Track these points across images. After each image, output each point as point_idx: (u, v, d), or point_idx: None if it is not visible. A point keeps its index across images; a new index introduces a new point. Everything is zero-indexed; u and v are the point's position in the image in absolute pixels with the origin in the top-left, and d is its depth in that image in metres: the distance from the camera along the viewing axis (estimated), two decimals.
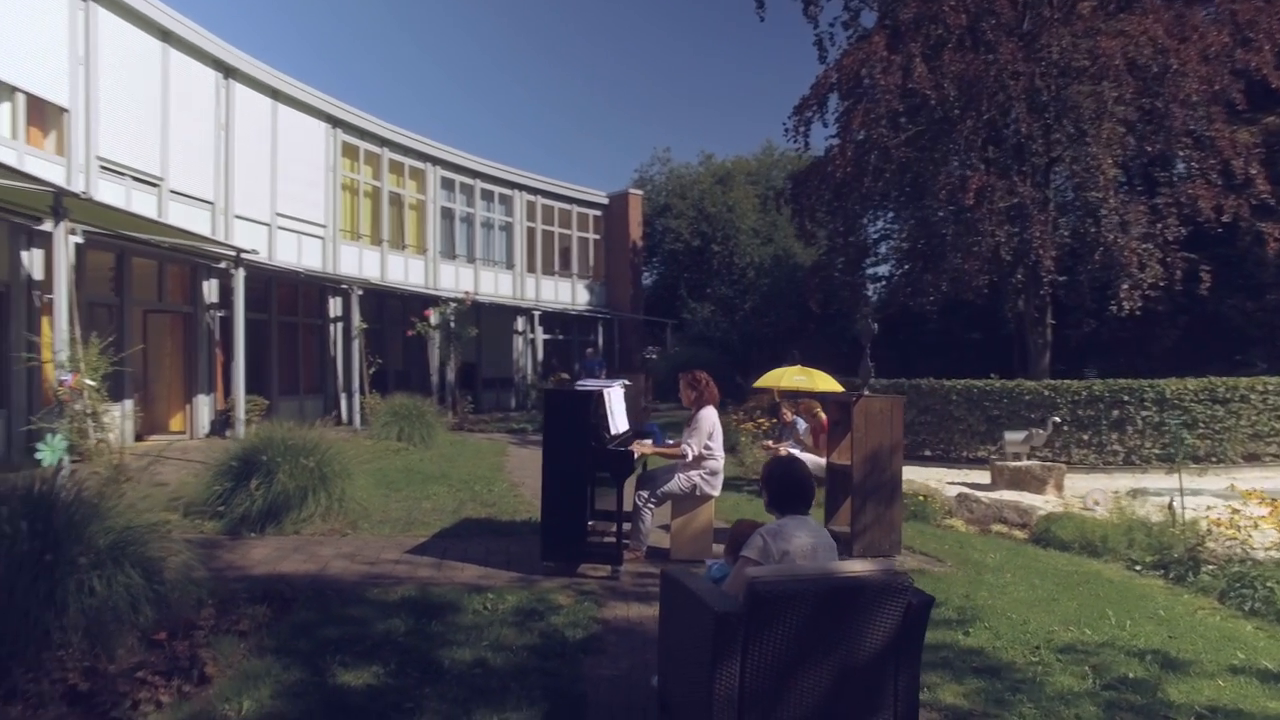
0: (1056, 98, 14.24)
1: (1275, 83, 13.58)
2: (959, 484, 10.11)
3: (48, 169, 11.18)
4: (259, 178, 16.06)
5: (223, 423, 14.29)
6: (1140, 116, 14.40)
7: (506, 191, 24.81)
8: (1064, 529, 7.11)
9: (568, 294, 26.66)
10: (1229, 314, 17.73)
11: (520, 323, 24.46)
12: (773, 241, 29.40)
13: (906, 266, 17.86)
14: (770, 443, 10.47)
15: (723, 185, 31.47)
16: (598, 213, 27.55)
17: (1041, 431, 10.43)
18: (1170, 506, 6.99)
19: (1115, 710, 3.59)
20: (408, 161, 21.35)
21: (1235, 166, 13.59)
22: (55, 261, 7.53)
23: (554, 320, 25.85)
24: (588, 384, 6.65)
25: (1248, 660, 4.29)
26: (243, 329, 12.70)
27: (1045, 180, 15.32)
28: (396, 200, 21.06)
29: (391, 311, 20.59)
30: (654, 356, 27.75)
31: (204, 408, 14.50)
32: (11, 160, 10.47)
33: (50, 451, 6.66)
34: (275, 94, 16.56)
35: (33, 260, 10.78)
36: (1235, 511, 6.20)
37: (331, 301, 18.42)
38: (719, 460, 6.15)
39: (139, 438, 12.94)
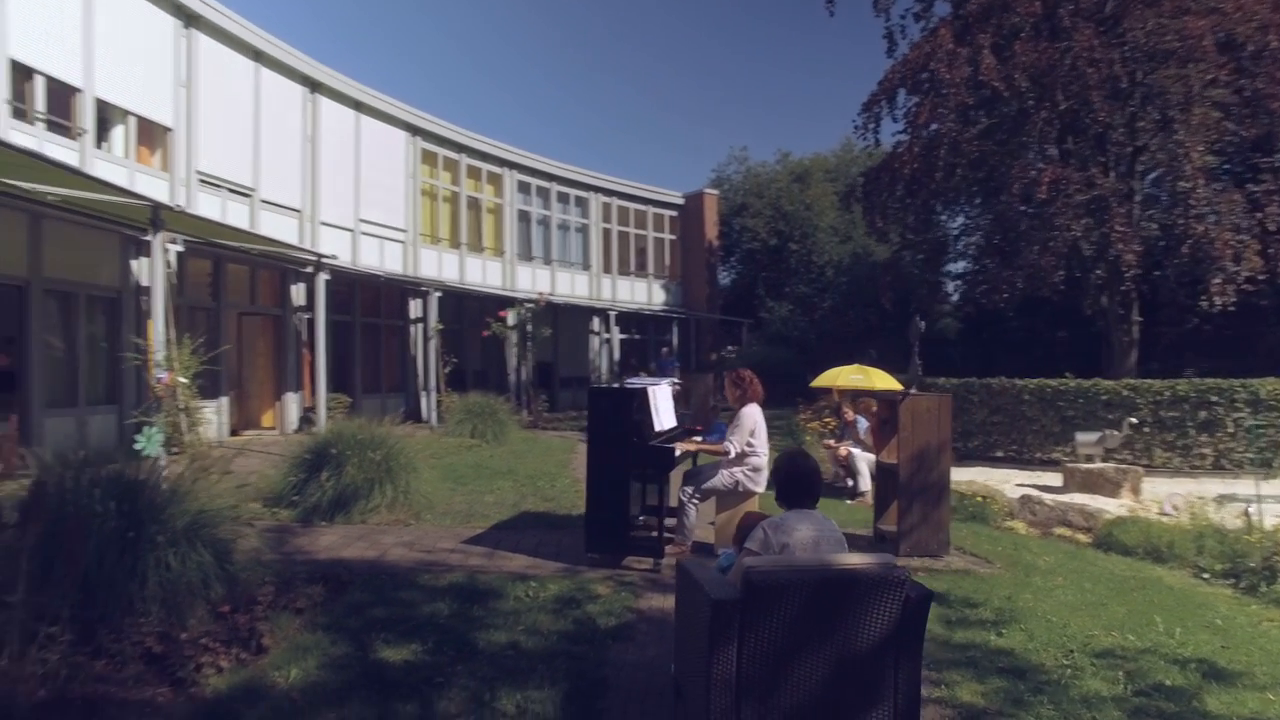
0: (1142, 83, 13.57)
1: None
2: (1028, 486, 9.82)
3: (154, 184, 12.12)
4: (343, 185, 16.89)
5: (308, 419, 15.10)
6: (1237, 99, 13.56)
7: (582, 194, 25.24)
8: (1128, 533, 6.87)
9: (644, 294, 26.92)
10: None
11: (596, 323, 24.82)
12: (851, 239, 28.92)
13: (983, 262, 17.33)
14: (831, 442, 10.43)
15: (800, 183, 31.15)
16: (673, 213, 27.71)
17: (1116, 433, 10.00)
18: (1247, 513, 6.65)
19: (1142, 716, 3.52)
20: (485, 166, 22.00)
21: None
22: (153, 269, 8.18)
23: (630, 320, 26.14)
24: (634, 382, 6.81)
25: None
26: (324, 330, 13.40)
27: (1130, 170, 14.62)
28: (474, 204, 21.73)
29: (470, 312, 21.25)
30: (732, 355, 27.72)
31: (292, 405, 15.36)
32: (122, 177, 11.41)
33: (147, 443, 7.27)
34: (358, 105, 17.38)
35: (140, 268, 11.69)
36: None
37: (412, 303, 19.16)
38: (762, 457, 6.21)
39: (234, 432, 13.86)
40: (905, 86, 15.59)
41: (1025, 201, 13.68)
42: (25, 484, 4.02)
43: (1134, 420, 10.54)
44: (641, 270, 27.01)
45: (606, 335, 25.16)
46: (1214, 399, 10.97)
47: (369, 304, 18.49)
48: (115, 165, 11.43)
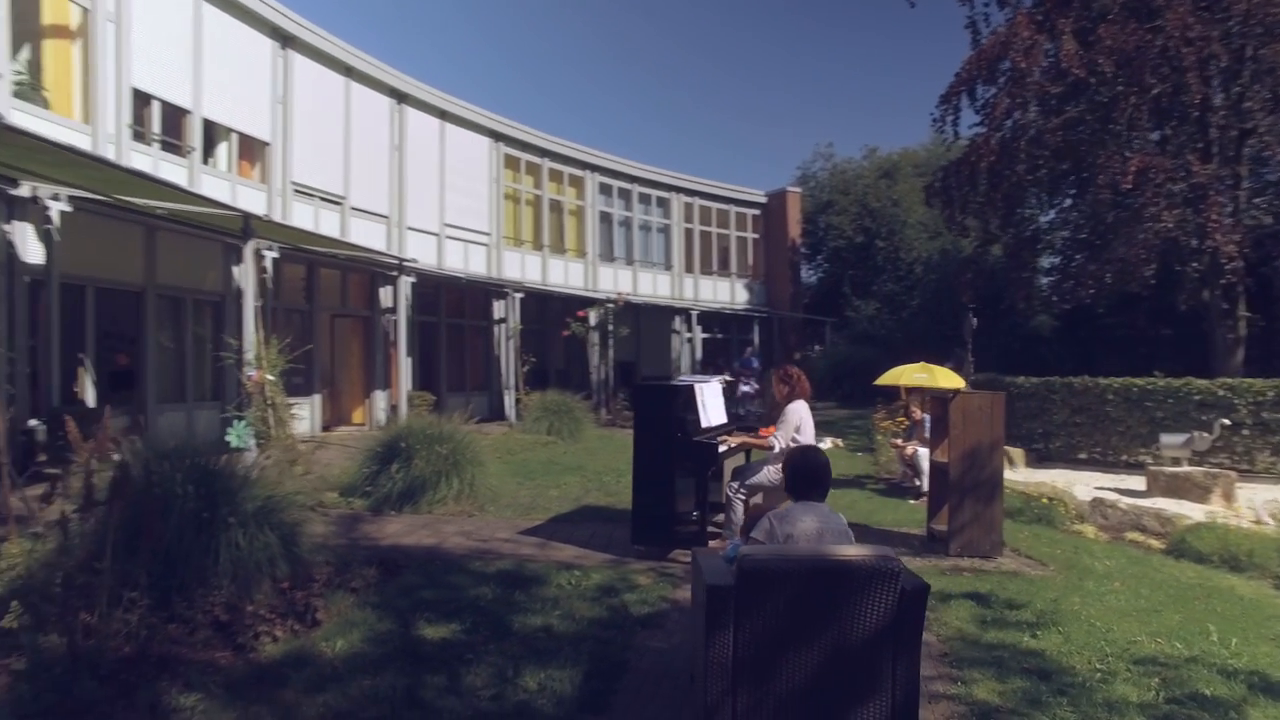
0: (1251, 58, 12.68)
1: None
2: (1109, 489, 9.39)
3: (253, 196, 13.02)
4: (428, 191, 17.63)
5: (395, 416, 15.85)
6: None
7: (664, 194, 25.44)
8: (1203, 540, 6.53)
9: (726, 293, 26.91)
10: None
11: (678, 322, 24.97)
12: (941, 235, 28.05)
13: (1075, 257, 16.54)
14: (898, 441, 10.26)
15: (888, 179, 30.45)
16: (756, 212, 27.58)
17: (1205, 435, 9.42)
18: None
19: None
20: (567, 170, 22.49)
21: None
22: (244, 274, 8.84)
23: (712, 319, 26.18)
24: (683, 380, 6.94)
25: None
26: (405, 331, 14.03)
27: (1236, 155, 13.67)
28: (556, 207, 22.24)
29: (553, 313, 21.77)
30: (815, 354, 27.37)
31: (380, 402, 16.15)
32: (225, 190, 12.32)
33: (236, 436, 7.90)
34: (443, 114, 18.09)
35: (240, 274, 12.57)
36: None
37: (495, 304, 19.79)
38: None
39: (326, 428, 14.71)
40: (981, 78, 15.07)
41: (1112, 192, 13.00)
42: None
43: (1226, 422, 9.90)
44: (724, 270, 27.01)
45: (688, 335, 25.30)
46: None
47: (454, 305, 19.22)
48: (219, 179, 12.35)
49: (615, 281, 23.82)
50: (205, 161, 12.26)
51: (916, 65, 63.13)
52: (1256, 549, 6.20)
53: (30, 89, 9.94)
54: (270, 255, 12.22)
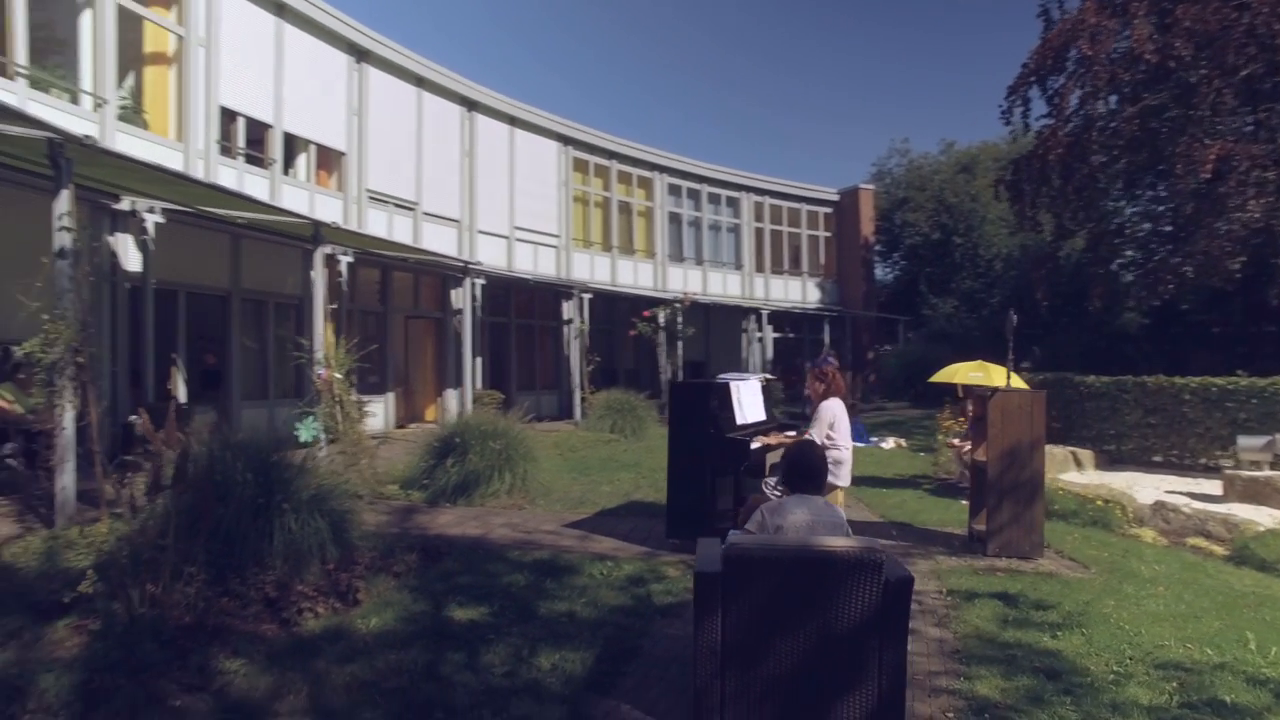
0: None
1: None
2: (1181, 493, 9.01)
3: (330, 204, 13.75)
4: (498, 195, 18.17)
5: (463, 414, 16.43)
6: None
7: (734, 194, 25.43)
8: (1268, 548, 6.24)
9: (798, 292, 26.71)
10: None
11: (749, 322, 24.92)
12: (1023, 230, 27.13)
13: (1156, 251, 15.75)
14: (956, 441, 10.08)
15: (967, 174, 29.58)
16: (828, 210, 27.26)
17: None
18: None
19: None
20: (636, 171, 22.76)
21: None
22: (314, 278, 9.39)
23: (784, 319, 26.02)
24: (724, 378, 7.04)
25: None
26: (469, 331, 14.51)
27: None
28: (625, 208, 22.54)
29: (622, 313, 22.07)
30: (888, 353, 26.87)
31: (452, 400, 16.72)
32: (303, 198, 13.05)
33: (305, 430, 8.42)
34: (512, 120, 18.61)
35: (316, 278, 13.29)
36: None
37: (565, 305, 20.22)
38: (842, 451, 6.25)
39: (399, 425, 15.36)
40: (1049, 68, 14.51)
41: (1192, 182, 12.32)
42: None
43: None
44: (795, 268, 26.80)
45: (759, 334, 25.22)
46: None
47: (524, 306, 19.74)
48: (298, 188, 13.10)
49: (685, 281, 23.95)
50: (286, 172, 13.02)
51: (995, 56, 60.99)
52: None
53: (132, 112, 10.80)
54: (345, 260, 12.88)
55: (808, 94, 76.17)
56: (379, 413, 14.44)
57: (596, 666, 3.90)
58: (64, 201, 5.88)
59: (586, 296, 19.31)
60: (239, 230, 11.44)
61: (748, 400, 6.63)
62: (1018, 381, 9.28)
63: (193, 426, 6.35)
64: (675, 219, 24.08)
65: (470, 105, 17.40)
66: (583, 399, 17.62)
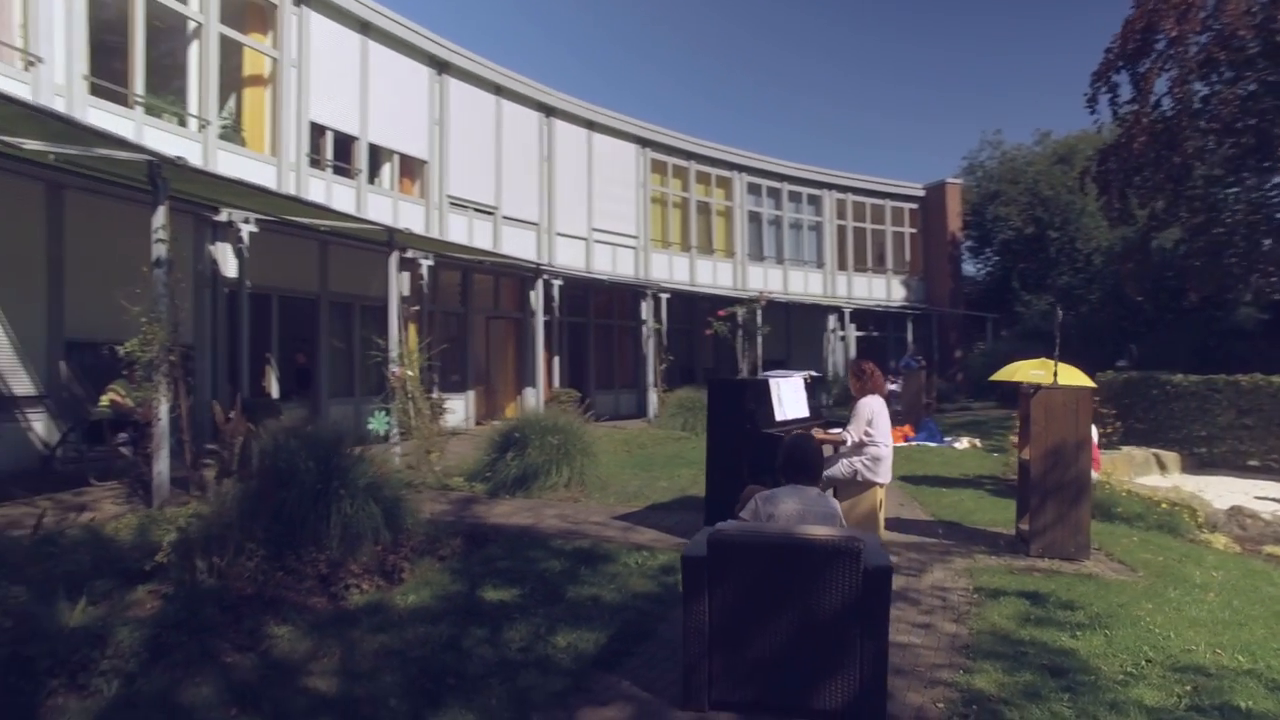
0: None
1: None
2: (1273, 499, 8.51)
3: (413, 210, 14.47)
4: (576, 198, 18.63)
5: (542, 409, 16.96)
6: None
7: (815, 192, 25.17)
8: None
9: (882, 290, 26.20)
10: None
11: (831, 320, 24.62)
12: (1112, 222, 25.76)
13: (1262, 242, 14.67)
14: (1015, 439, 9.80)
15: (1064, 164, 28.26)
16: (913, 205, 26.62)
17: None
18: None
19: None
20: (714, 171, 22.84)
21: None
22: (389, 280, 9.98)
23: (867, 317, 25.57)
24: (769, 374, 7.14)
25: None
26: (541, 331, 14.95)
27: None
28: (704, 208, 22.66)
29: (701, 313, 22.19)
30: (976, 352, 25.99)
31: (531, 398, 17.27)
32: (387, 206, 13.80)
33: (377, 423, 8.98)
34: (590, 124, 19.04)
35: (401, 281, 14.02)
36: None
37: (644, 305, 20.53)
38: (881, 448, 6.27)
39: (479, 422, 16.00)
40: (1133, 51, 13.74)
41: None
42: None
43: None
44: (879, 266, 26.29)
45: (842, 333, 24.87)
46: None
47: (603, 307, 20.17)
48: (383, 196, 13.87)
49: (765, 280, 23.89)
50: (371, 181, 13.81)
51: (1095, 37, 57.71)
52: None
53: (232, 131, 11.73)
54: (426, 264, 13.55)
55: (896, 93, 74.25)
56: (459, 409, 15.10)
57: (608, 646, 4.12)
58: (160, 216, 6.54)
59: (664, 296, 19.55)
60: (326, 237, 12.24)
61: (788, 397, 6.71)
62: (1079, 378, 8.99)
63: (266, 420, 6.92)
64: (755, 218, 24.03)
65: (548, 111, 17.92)
66: (655, 397, 17.87)
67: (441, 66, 15.15)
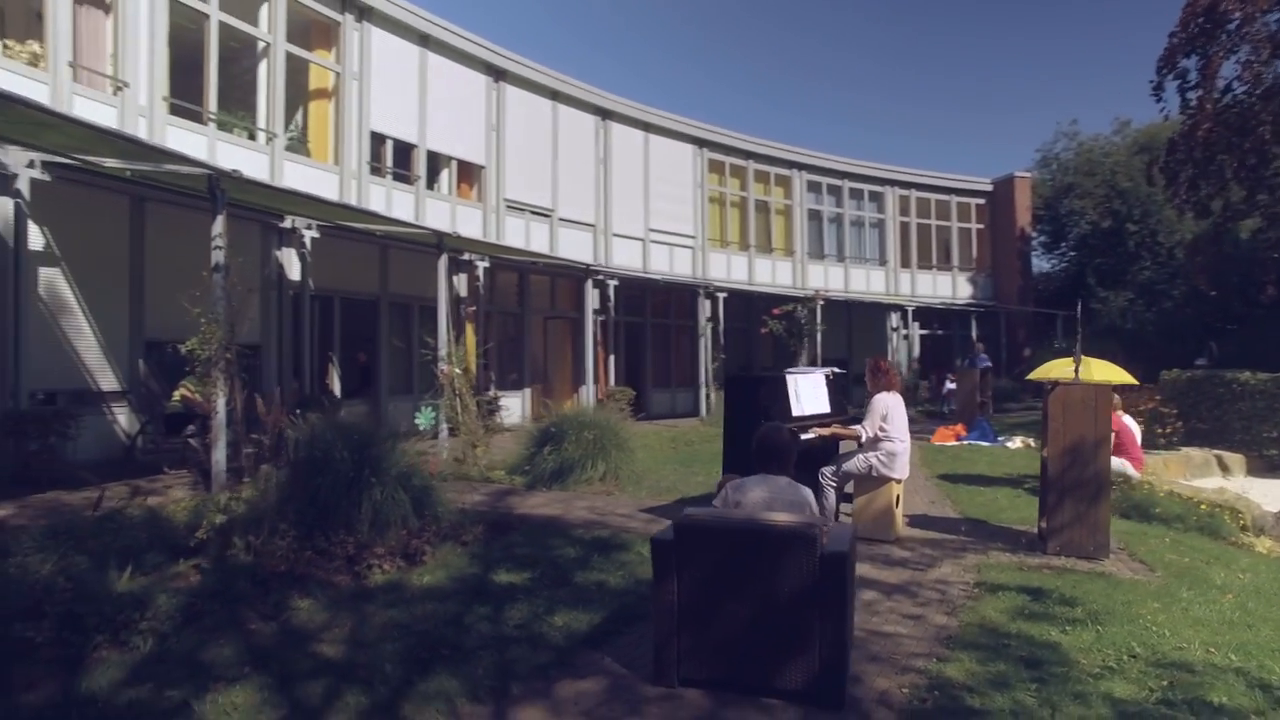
0: None
1: None
2: None
3: (470, 214, 15.01)
4: (633, 200, 18.92)
5: (597, 407, 17.31)
6: None
7: (877, 188, 24.84)
8: None
9: (947, 287, 25.65)
10: None
11: (894, 319, 24.25)
12: (1211, 214, 24.51)
13: None
14: None
15: (1146, 154, 27.01)
16: (980, 201, 25.95)
17: None
18: None
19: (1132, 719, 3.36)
20: (773, 170, 22.81)
21: None
22: (438, 281, 10.45)
23: (932, 315, 25.10)
24: (790, 372, 7.25)
25: None
26: (591, 330, 15.30)
27: None
28: (763, 207, 22.66)
29: (759, 311, 22.10)
30: (1050, 349, 25.15)
31: (588, 396, 17.66)
32: (445, 210, 14.36)
33: (422, 418, 9.44)
34: (646, 126, 19.31)
35: (459, 283, 14.59)
36: None
37: (701, 304, 20.68)
38: (897, 444, 6.33)
39: (536, 419, 16.44)
40: (1198, 36, 13.11)
41: None
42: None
43: None
44: (944, 263, 25.73)
45: (905, 331, 24.48)
46: None
47: (660, 306, 20.40)
48: (441, 201, 14.44)
49: (825, 279, 23.73)
50: (430, 187, 14.40)
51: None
52: None
53: (298, 143, 12.45)
54: (482, 265, 14.07)
55: (965, 87, 72.11)
56: (515, 407, 15.57)
57: (601, 626, 4.36)
58: (219, 224, 7.10)
59: (721, 296, 19.69)
60: (387, 241, 12.86)
61: (807, 393, 6.82)
62: (1117, 375, 8.77)
63: (324, 414, 7.40)
64: (815, 216, 23.89)
65: (604, 114, 18.26)
66: (707, 395, 18.01)
67: (498, 74, 15.65)
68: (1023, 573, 5.45)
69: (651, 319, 20.08)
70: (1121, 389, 9.92)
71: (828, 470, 6.58)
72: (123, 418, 9.56)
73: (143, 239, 9.84)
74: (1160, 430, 11.13)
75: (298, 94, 12.53)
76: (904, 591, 5.08)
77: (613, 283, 17.26)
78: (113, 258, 9.61)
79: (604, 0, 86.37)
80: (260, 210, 10.48)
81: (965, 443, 13.06)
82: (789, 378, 6.74)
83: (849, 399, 8.71)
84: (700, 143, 20.84)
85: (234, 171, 7.11)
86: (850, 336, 24.09)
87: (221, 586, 4.55)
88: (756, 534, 3.47)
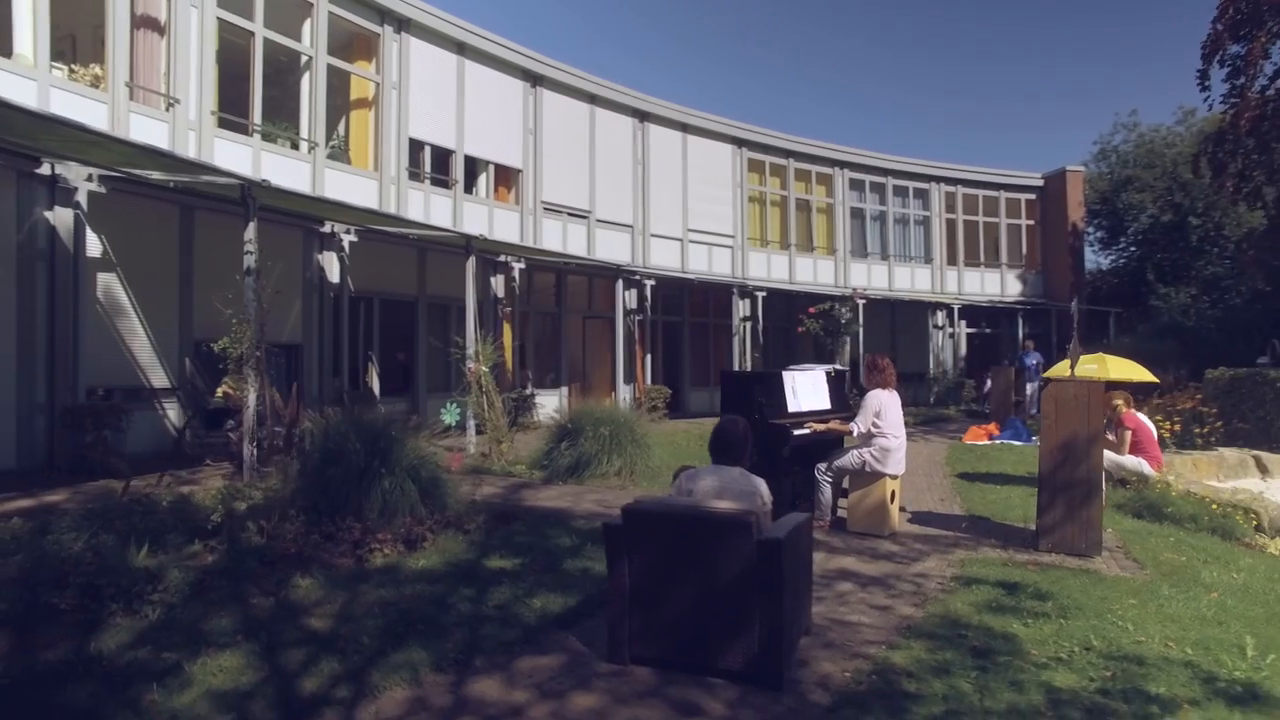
0: None
1: None
2: None
3: (508, 217, 15.43)
4: (670, 200, 19.12)
5: (634, 406, 17.55)
6: None
7: (922, 185, 24.52)
8: None
9: (995, 285, 25.15)
10: None
11: (939, 317, 23.92)
12: (1264, 206, 23.45)
13: None
14: None
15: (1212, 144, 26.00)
16: (1030, 196, 25.35)
17: None
18: None
19: (1066, 708, 3.43)
20: (814, 169, 22.73)
21: None
22: (466, 282, 10.84)
23: (980, 313, 24.66)
24: (793, 369, 7.38)
25: None
26: (621, 330, 15.55)
27: None
28: (804, 206, 22.60)
29: (799, 311, 22.12)
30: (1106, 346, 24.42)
31: (625, 394, 17.93)
32: (482, 214, 14.80)
33: (448, 415, 9.82)
34: (684, 127, 19.48)
35: (496, 284, 15.02)
36: None
37: (740, 303, 20.75)
38: (890, 440, 6.41)
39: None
40: (1241, 21, 12.58)
41: None
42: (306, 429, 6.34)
43: None
44: (992, 260, 25.22)
45: (951, 330, 24.13)
46: None
47: (699, 305, 20.56)
48: (478, 205, 14.89)
49: (869, 277, 23.56)
50: (468, 191, 14.86)
51: None
52: None
53: (339, 151, 13.03)
54: (518, 267, 14.47)
55: (1025, 78, 70.00)
56: (553, 404, 15.91)
57: (575, 609, 4.60)
58: (250, 230, 7.57)
59: (760, 295, 19.75)
60: (424, 244, 13.34)
61: (804, 389, 6.94)
62: (1139, 373, 8.63)
63: (330, 410, 7.80)
64: (858, 214, 23.71)
65: (642, 116, 18.51)
66: None
67: (535, 80, 16.04)
68: (1006, 568, 5.50)
69: (690, 318, 20.25)
70: (1143, 387, 9.74)
71: (823, 465, 6.70)
72: (172, 413, 10.20)
73: (191, 245, 10.47)
74: (1199, 430, 10.83)
75: (339, 104, 13.11)
76: (880, 584, 5.19)
77: (649, 283, 17.48)
78: (164, 263, 10.26)
79: (637, 7, 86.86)
80: (301, 216, 11.03)
81: (997, 442, 12.90)
82: (786, 374, 6.88)
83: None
84: (739, 142, 20.91)
85: (263, 181, 7.58)
86: (894, 335, 23.83)
87: (231, 565, 4.94)
88: (697, 520, 3.67)
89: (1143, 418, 8.25)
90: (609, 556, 3.85)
